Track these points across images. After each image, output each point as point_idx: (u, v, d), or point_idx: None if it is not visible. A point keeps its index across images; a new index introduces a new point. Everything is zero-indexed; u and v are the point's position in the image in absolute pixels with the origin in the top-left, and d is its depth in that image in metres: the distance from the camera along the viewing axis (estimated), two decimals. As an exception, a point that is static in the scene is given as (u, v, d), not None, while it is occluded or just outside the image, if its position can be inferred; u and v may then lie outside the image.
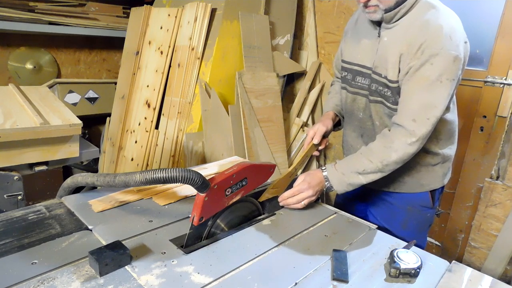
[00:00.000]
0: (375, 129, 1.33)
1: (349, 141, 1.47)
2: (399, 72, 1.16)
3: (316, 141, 1.32)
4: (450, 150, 1.36)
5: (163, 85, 2.67)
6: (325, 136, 1.37)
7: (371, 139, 1.31)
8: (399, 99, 1.17)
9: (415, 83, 1.12)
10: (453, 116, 1.30)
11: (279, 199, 1.18)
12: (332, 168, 1.22)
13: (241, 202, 1.05)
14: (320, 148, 1.38)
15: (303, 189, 1.16)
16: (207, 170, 1.40)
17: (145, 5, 2.75)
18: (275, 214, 1.13)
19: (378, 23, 1.24)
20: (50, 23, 2.84)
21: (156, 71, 2.68)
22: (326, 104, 1.57)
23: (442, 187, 1.42)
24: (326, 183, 1.21)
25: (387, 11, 1.16)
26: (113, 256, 0.78)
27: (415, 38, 1.12)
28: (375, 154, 1.17)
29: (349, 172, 1.19)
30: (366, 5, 1.17)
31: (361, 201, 1.56)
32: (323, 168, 1.23)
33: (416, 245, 0.99)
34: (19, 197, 1.36)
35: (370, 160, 1.17)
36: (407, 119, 1.13)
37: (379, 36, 1.24)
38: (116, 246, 0.81)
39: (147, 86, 2.71)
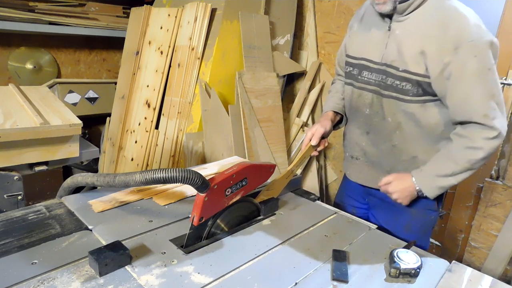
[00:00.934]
0: (385, 126, 1.30)
1: (354, 138, 1.44)
2: (426, 68, 1.13)
3: (314, 142, 1.32)
4: None
5: (163, 85, 2.67)
6: (324, 137, 1.36)
7: (377, 136, 1.33)
8: (453, 101, 1.13)
9: (468, 80, 1.09)
10: None
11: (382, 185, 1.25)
12: (419, 173, 1.21)
13: (241, 202, 1.05)
14: (318, 149, 1.37)
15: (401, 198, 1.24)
16: (207, 170, 1.40)
17: (145, 5, 2.75)
18: (275, 214, 1.13)
19: (388, 16, 1.21)
20: (50, 23, 2.84)
21: (156, 71, 2.68)
22: (326, 104, 1.55)
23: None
24: (417, 189, 1.22)
25: (399, 2, 1.14)
26: (113, 256, 0.78)
27: (441, 32, 1.10)
28: (459, 156, 1.14)
29: (437, 177, 1.18)
30: None
31: (361, 203, 1.55)
32: (411, 177, 1.22)
33: (418, 246, 0.99)
34: (19, 197, 1.36)
35: (457, 163, 1.15)
36: (477, 116, 1.10)
37: (389, 30, 1.21)
38: (116, 246, 0.81)
39: (147, 86, 2.71)
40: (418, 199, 1.30)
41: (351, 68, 1.36)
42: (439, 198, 1.35)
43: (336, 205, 1.53)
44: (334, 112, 1.48)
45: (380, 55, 1.24)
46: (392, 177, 1.25)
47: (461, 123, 1.16)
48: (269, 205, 1.11)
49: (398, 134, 1.28)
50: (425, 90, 1.18)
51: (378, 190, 1.35)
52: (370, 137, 1.37)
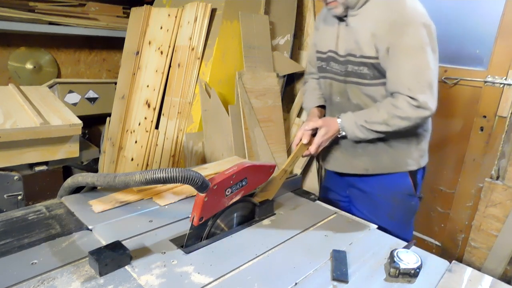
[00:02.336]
0: (353, 110, 1.38)
1: None
2: (377, 51, 1.25)
3: (305, 141, 1.32)
4: (424, 131, 1.42)
5: (163, 85, 2.67)
6: (314, 134, 1.36)
7: None
8: (388, 74, 1.26)
9: (400, 56, 1.21)
10: None
11: (311, 151, 1.31)
12: (345, 115, 1.34)
13: (241, 202, 1.05)
14: (311, 147, 1.35)
15: (323, 142, 1.33)
16: (207, 170, 1.40)
17: (145, 5, 2.75)
18: (275, 214, 1.13)
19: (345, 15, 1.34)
20: (50, 23, 2.84)
21: (156, 71, 2.68)
22: (306, 102, 1.62)
23: (422, 173, 1.49)
24: (341, 131, 1.34)
25: (347, 6, 1.29)
26: (113, 256, 0.78)
27: (384, 17, 1.23)
28: (383, 106, 1.27)
29: (360, 118, 1.30)
30: (327, 2, 1.31)
31: (343, 196, 1.61)
32: (338, 117, 1.35)
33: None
34: (19, 197, 1.36)
35: (378, 109, 1.27)
36: (403, 88, 1.22)
37: (347, 25, 1.34)
38: (116, 246, 0.81)
39: (147, 86, 2.71)
40: (397, 186, 1.43)
41: (323, 63, 1.46)
42: (415, 182, 1.45)
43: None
44: (319, 107, 1.55)
45: (343, 48, 1.36)
46: (321, 121, 1.35)
47: (392, 94, 1.27)
48: (263, 207, 1.09)
49: None
50: (380, 72, 1.29)
51: (356, 176, 1.48)
52: None
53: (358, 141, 1.39)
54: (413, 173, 1.44)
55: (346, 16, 1.33)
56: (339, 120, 1.34)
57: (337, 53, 1.38)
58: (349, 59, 1.34)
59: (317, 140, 1.32)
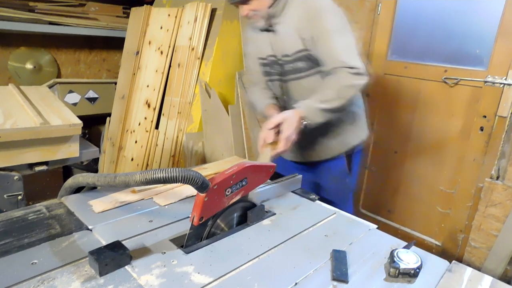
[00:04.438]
0: None
1: None
2: (303, 42, 1.39)
3: (270, 140, 1.27)
4: (359, 109, 1.60)
5: (163, 85, 2.67)
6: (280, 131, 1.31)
7: None
8: (322, 57, 1.38)
9: (326, 38, 1.35)
10: None
11: (280, 148, 1.28)
12: (302, 104, 1.35)
13: (241, 202, 1.05)
14: (279, 146, 1.29)
15: (291, 134, 1.29)
16: (207, 170, 1.40)
17: (145, 5, 2.75)
18: (275, 214, 1.13)
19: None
20: (50, 23, 2.84)
21: (156, 71, 2.68)
22: (258, 103, 1.60)
23: (358, 153, 1.66)
24: (302, 121, 1.33)
25: (267, 16, 1.41)
26: (113, 256, 0.78)
27: (302, 12, 1.38)
28: (328, 84, 1.36)
29: (317, 102, 1.33)
30: (248, 17, 1.43)
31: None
32: (295, 108, 1.35)
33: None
34: (19, 197, 1.36)
35: (325, 88, 1.35)
36: (338, 63, 1.33)
37: (274, 32, 1.47)
38: (116, 246, 0.81)
39: (147, 86, 2.71)
40: (333, 168, 1.61)
41: (267, 67, 1.56)
42: (350, 163, 1.63)
43: None
44: (273, 105, 1.54)
45: (279, 52, 1.48)
46: (281, 116, 1.32)
47: (331, 72, 1.37)
48: (256, 212, 1.07)
49: None
50: (313, 62, 1.42)
51: (308, 163, 1.65)
52: None
53: (311, 133, 1.44)
54: (349, 155, 1.62)
55: (270, 26, 1.46)
56: (297, 109, 1.34)
57: (276, 56, 1.50)
58: (285, 60, 1.46)
59: (285, 134, 1.28)
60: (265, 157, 1.25)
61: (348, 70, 1.32)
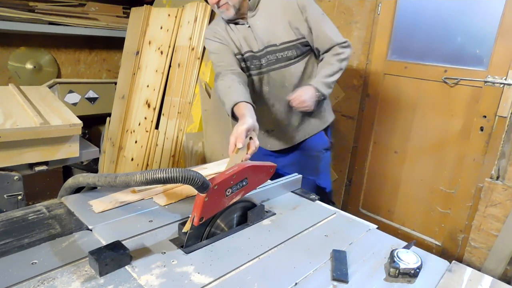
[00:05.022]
0: (285, 92, 1.63)
1: (265, 115, 1.70)
2: (298, 31, 1.58)
3: (240, 144, 1.12)
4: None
5: (163, 85, 2.67)
6: (251, 137, 1.20)
7: (281, 104, 1.67)
8: (316, 40, 1.60)
9: (317, 24, 1.57)
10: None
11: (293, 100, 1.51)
12: (314, 80, 1.58)
13: (241, 202, 1.05)
14: (249, 152, 1.16)
15: (311, 107, 1.53)
16: (207, 170, 1.40)
17: (145, 5, 2.75)
18: (275, 214, 1.13)
19: (241, 21, 1.58)
20: (50, 23, 2.84)
21: (156, 71, 2.68)
22: (229, 97, 1.41)
23: (330, 128, 1.84)
24: (315, 88, 1.54)
25: (237, 7, 1.50)
26: (113, 256, 0.78)
27: (289, 7, 1.55)
28: (329, 60, 1.59)
29: (324, 77, 1.56)
30: (218, 5, 1.48)
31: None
32: (310, 85, 1.55)
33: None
34: (19, 197, 1.36)
35: (327, 64, 1.59)
36: (332, 41, 1.58)
37: (249, 26, 1.58)
38: (116, 246, 0.81)
39: (147, 86, 2.71)
40: (318, 145, 1.77)
41: (247, 62, 1.64)
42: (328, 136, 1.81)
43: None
44: (246, 103, 1.37)
45: (256, 45, 1.59)
46: (297, 92, 1.53)
47: (326, 51, 1.61)
48: (255, 212, 1.07)
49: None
50: (300, 49, 1.61)
51: (284, 150, 1.78)
52: (277, 108, 1.70)
53: (298, 114, 1.69)
54: (326, 130, 1.80)
55: (241, 18, 1.57)
56: (311, 85, 1.55)
57: (252, 50, 1.60)
58: (269, 50, 1.59)
59: (304, 102, 1.50)
60: (234, 162, 1.08)
61: (341, 45, 1.58)
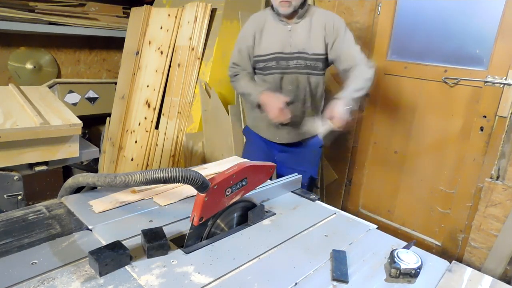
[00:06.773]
0: (303, 94, 1.84)
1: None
2: (326, 47, 1.78)
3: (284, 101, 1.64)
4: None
5: (163, 85, 2.67)
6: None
7: (297, 103, 1.84)
8: (343, 57, 1.76)
9: (348, 44, 1.77)
10: None
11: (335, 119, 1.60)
12: (343, 98, 1.64)
13: (241, 202, 1.05)
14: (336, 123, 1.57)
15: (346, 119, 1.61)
16: (207, 170, 1.40)
17: (145, 5, 2.75)
18: (275, 214, 1.13)
19: (287, 20, 1.76)
20: (50, 23, 2.84)
21: (156, 71, 2.68)
22: (252, 88, 1.81)
23: None
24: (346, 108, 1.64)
25: (295, 8, 1.70)
26: (113, 256, 0.78)
27: (327, 23, 1.76)
28: (355, 77, 1.71)
29: (350, 93, 1.66)
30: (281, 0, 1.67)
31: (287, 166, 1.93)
32: (337, 99, 1.64)
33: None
34: (19, 197, 1.36)
35: (354, 80, 1.70)
36: (358, 60, 1.74)
37: (290, 30, 1.77)
38: (116, 246, 0.81)
39: (147, 86, 2.71)
40: (316, 142, 1.95)
41: (265, 63, 1.81)
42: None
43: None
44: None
45: (289, 48, 1.77)
46: (332, 110, 1.60)
47: (350, 69, 1.75)
48: (256, 212, 1.07)
49: (310, 97, 1.86)
50: (326, 65, 1.84)
51: (288, 144, 1.94)
52: (293, 106, 1.83)
53: (302, 116, 1.87)
54: None
55: (290, 19, 1.76)
56: (342, 99, 1.64)
57: (284, 52, 1.78)
58: (300, 56, 1.77)
59: (341, 116, 1.57)
60: (324, 126, 1.57)
61: (366, 64, 1.74)
